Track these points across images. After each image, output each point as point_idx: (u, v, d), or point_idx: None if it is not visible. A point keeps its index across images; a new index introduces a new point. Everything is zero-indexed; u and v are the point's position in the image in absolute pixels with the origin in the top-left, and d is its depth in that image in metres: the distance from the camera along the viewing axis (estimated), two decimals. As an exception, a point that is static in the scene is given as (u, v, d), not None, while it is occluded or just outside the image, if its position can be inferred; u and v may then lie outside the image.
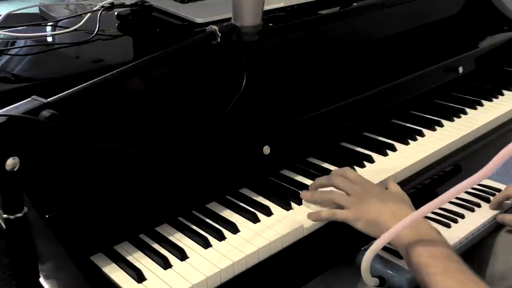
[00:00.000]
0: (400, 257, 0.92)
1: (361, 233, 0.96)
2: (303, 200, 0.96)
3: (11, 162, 0.62)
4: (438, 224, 1.00)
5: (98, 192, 0.84)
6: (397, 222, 0.79)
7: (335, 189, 0.94)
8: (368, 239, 0.97)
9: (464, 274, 0.77)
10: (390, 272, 0.90)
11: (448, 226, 1.00)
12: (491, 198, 1.07)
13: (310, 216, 0.92)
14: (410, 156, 1.11)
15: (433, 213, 1.04)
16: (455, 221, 1.01)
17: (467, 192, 1.12)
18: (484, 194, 1.10)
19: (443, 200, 0.74)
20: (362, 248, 0.94)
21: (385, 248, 0.93)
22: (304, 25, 1.22)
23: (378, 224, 0.86)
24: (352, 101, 1.18)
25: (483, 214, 1.04)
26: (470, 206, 1.06)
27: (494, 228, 1.04)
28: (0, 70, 1.03)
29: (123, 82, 0.78)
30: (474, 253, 1.01)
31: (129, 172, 0.88)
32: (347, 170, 0.97)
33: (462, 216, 1.03)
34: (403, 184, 1.07)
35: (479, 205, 1.07)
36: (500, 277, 0.97)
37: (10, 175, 0.63)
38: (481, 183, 1.16)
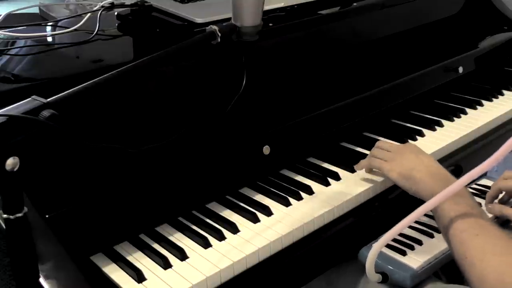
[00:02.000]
0: (403, 254, 0.93)
1: (362, 231, 0.96)
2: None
3: (11, 162, 0.62)
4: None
5: (98, 192, 0.84)
6: (429, 177, 0.90)
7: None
8: (370, 237, 0.97)
9: (495, 231, 0.80)
10: (393, 268, 0.90)
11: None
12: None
13: (356, 166, 1.04)
14: (410, 156, 1.11)
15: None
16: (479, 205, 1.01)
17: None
18: (484, 194, 1.10)
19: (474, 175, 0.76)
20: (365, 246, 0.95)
21: (387, 245, 0.93)
22: (304, 25, 1.22)
23: (411, 177, 0.93)
24: (352, 101, 1.18)
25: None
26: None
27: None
28: (0, 70, 1.03)
29: (123, 82, 0.78)
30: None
31: (129, 172, 0.88)
32: (383, 141, 1.08)
33: None
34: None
35: (480, 205, 1.07)
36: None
37: (10, 175, 0.63)
38: (481, 183, 1.17)
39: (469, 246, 0.78)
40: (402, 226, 0.80)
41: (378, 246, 0.83)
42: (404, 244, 0.95)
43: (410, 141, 1.16)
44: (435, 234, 0.98)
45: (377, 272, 0.88)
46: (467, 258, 0.77)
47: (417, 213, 0.80)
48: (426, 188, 0.90)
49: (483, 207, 1.07)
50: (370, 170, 1.04)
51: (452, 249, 0.82)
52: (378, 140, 1.17)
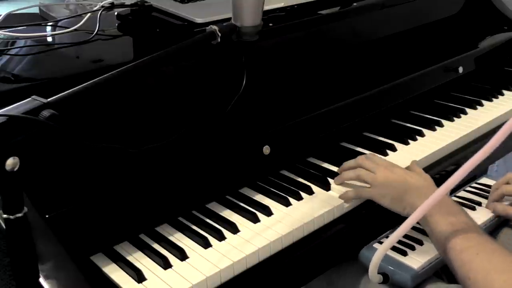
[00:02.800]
0: (404, 255, 0.92)
1: (363, 230, 0.96)
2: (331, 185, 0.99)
3: (11, 162, 0.62)
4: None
5: (98, 192, 0.84)
6: (421, 198, 0.86)
7: (361, 169, 0.98)
8: (370, 237, 0.97)
9: (482, 236, 0.81)
10: (394, 269, 0.90)
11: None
12: None
13: (340, 196, 0.97)
14: (410, 156, 1.11)
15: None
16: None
17: (468, 191, 1.12)
18: (485, 193, 1.11)
19: (462, 174, 0.76)
20: (367, 245, 0.95)
21: None
22: (304, 25, 1.22)
23: (403, 200, 0.91)
24: (352, 101, 1.18)
25: (484, 213, 1.04)
26: (471, 205, 1.07)
27: (495, 227, 1.04)
28: (0, 70, 1.03)
29: (123, 82, 0.78)
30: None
31: (129, 172, 0.88)
32: (372, 154, 1.04)
33: None
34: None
35: (480, 204, 1.07)
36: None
37: (10, 175, 0.63)
38: (481, 182, 1.17)
39: (471, 266, 0.77)
40: (421, 212, 0.80)
41: (383, 249, 0.83)
42: (405, 245, 0.95)
43: (410, 141, 1.16)
44: (435, 234, 0.97)
45: (378, 273, 0.88)
46: (470, 279, 0.76)
47: (434, 198, 0.78)
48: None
49: (483, 206, 1.07)
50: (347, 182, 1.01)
51: (453, 270, 0.81)
52: (378, 140, 1.17)
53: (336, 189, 1.01)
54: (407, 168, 1.01)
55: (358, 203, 0.99)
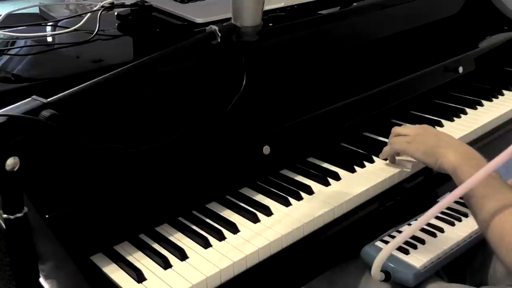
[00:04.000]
0: (406, 253, 0.93)
1: (362, 231, 0.96)
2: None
3: (11, 162, 0.62)
4: (442, 222, 1.01)
5: (98, 192, 0.84)
6: (452, 151, 0.93)
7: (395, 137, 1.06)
8: (370, 237, 0.97)
9: (504, 190, 0.83)
10: (396, 267, 0.90)
11: (452, 224, 1.00)
12: None
13: (382, 154, 1.08)
14: (410, 156, 1.11)
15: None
16: (459, 220, 1.01)
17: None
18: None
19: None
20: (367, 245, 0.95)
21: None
22: (304, 25, 1.22)
23: (435, 153, 0.96)
24: (352, 101, 1.18)
25: None
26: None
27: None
28: (0, 70, 1.03)
29: (123, 82, 0.78)
30: (477, 251, 1.01)
31: (129, 172, 0.88)
32: (403, 126, 1.09)
33: (466, 215, 1.03)
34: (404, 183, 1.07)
35: None
36: (502, 276, 0.97)
37: (10, 175, 0.63)
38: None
39: (489, 210, 0.81)
40: (428, 217, 0.82)
41: (392, 245, 0.85)
42: (407, 243, 0.95)
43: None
44: (437, 233, 0.98)
45: (380, 271, 0.88)
46: (488, 222, 0.81)
47: (448, 200, 0.80)
48: (449, 161, 0.93)
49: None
50: (393, 158, 1.07)
51: (476, 217, 0.85)
52: (378, 140, 1.17)
53: (336, 189, 1.01)
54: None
55: (356, 204, 0.99)
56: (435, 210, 0.79)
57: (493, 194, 0.83)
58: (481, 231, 0.85)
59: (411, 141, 1.02)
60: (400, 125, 1.24)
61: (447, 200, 0.79)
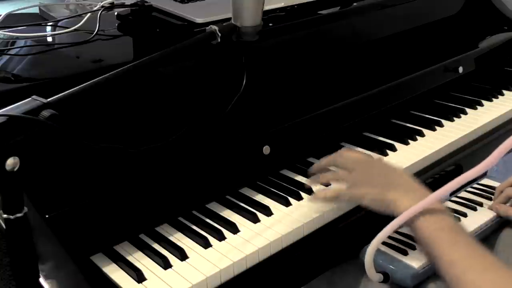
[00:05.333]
0: (404, 254, 0.93)
1: (363, 231, 0.96)
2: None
3: (11, 162, 0.62)
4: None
5: (98, 192, 0.84)
6: (402, 195, 0.83)
7: (337, 169, 0.94)
8: (370, 237, 0.97)
9: (471, 245, 0.77)
10: (394, 268, 0.90)
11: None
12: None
13: (315, 196, 0.93)
14: (410, 156, 1.11)
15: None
16: (458, 220, 1.01)
17: (469, 192, 1.12)
18: (486, 193, 1.11)
19: (452, 187, 0.76)
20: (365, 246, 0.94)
21: (388, 244, 0.94)
22: (304, 25, 1.22)
23: (384, 200, 0.85)
24: (352, 101, 1.18)
25: (486, 213, 1.04)
26: (473, 205, 1.07)
27: (496, 227, 1.04)
28: (0, 70, 1.03)
29: (123, 82, 0.78)
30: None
31: (129, 172, 0.88)
32: (346, 149, 0.98)
33: (465, 215, 1.03)
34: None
35: (481, 204, 1.07)
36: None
37: (10, 175, 0.63)
38: (483, 183, 1.17)
39: (460, 282, 0.74)
40: (404, 217, 0.80)
41: (377, 240, 0.84)
42: (405, 244, 0.95)
43: (410, 141, 1.16)
44: (435, 234, 0.97)
45: (378, 272, 0.88)
46: (454, 276, 0.74)
47: (423, 204, 0.79)
48: (403, 209, 0.83)
49: (484, 206, 1.07)
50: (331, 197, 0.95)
51: (443, 278, 0.78)
52: (378, 140, 1.17)
53: (336, 189, 1.00)
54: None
55: (357, 204, 0.99)
56: (417, 207, 0.79)
57: (457, 243, 0.77)
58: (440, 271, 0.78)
59: (355, 182, 0.90)
60: (400, 124, 1.24)
61: (433, 196, 0.79)
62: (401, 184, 0.87)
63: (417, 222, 0.81)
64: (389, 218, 0.93)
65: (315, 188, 0.98)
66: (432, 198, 0.78)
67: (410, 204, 0.82)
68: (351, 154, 0.96)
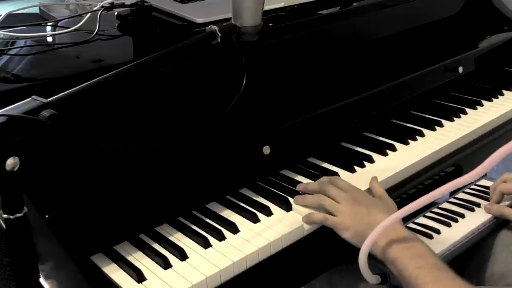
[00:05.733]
0: None
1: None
2: (293, 205, 0.96)
3: (11, 162, 0.62)
4: (438, 223, 1.00)
5: (98, 192, 0.84)
6: (383, 237, 0.84)
7: (325, 198, 0.94)
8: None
9: (454, 281, 0.78)
10: None
11: (449, 225, 1.00)
12: None
13: (303, 218, 0.92)
14: (410, 156, 1.11)
15: (434, 212, 1.04)
16: (456, 221, 1.01)
17: (467, 192, 1.12)
18: (484, 194, 1.10)
19: (426, 200, 0.77)
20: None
21: None
22: (304, 25, 1.22)
23: (364, 236, 0.85)
24: (352, 101, 1.18)
25: (483, 214, 1.04)
26: (470, 206, 1.07)
27: (494, 228, 1.04)
28: (0, 70, 1.03)
29: (123, 82, 0.78)
30: (474, 252, 1.01)
31: (129, 172, 0.88)
32: (336, 178, 0.98)
33: (463, 216, 1.03)
34: (403, 184, 1.07)
35: (479, 205, 1.07)
36: (499, 277, 0.97)
37: (10, 175, 0.63)
38: (481, 183, 1.17)
39: None
40: (377, 232, 0.81)
41: (363, 254, 0.84)
42: None
43: (410, 141, 1.16)
44: (434, 235, 0.98)
45: (376, 274, 0.88)
46: None
47: (392, 219, 0.81)
48: (380, 250, 0.85)
49: (482, 207, 1.07)
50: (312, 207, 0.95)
51: None
52: (378, 140, 1.17)
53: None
54: (368, 190, 0.98)
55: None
56: (379, 229, 0.81)
57: (441, 280, 0.78)
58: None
59: (340, 213, 0.90)
60: (400, 125, 1.24)
61: (391, 218, 0.81)
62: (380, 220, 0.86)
63: (395, 262, 0.83)
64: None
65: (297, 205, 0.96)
66: (393, 218, 0.80)
67: (386, 247, 0.84)
68: (341, 183, 0.96)
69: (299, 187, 0.99)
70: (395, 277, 0.89)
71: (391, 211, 0.90)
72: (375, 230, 0.81)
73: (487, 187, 1.13)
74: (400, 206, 1.04)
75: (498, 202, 1.04)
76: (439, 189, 0.76)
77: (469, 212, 1.05)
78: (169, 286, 0.78)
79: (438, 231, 0.98)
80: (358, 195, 0.94)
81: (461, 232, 0.98)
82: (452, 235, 0.97)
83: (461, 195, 1.12)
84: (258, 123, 1.04)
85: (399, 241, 0.84)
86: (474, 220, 1.02)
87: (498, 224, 1.04)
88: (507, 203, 1.04)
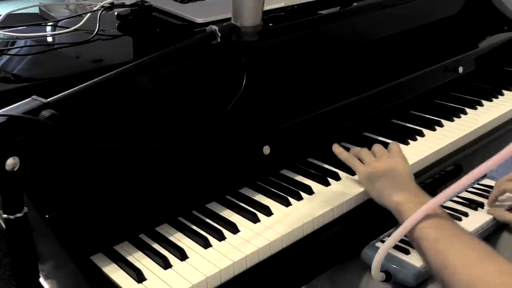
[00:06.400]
0: (406, 253, 0.93)
1: (363, 231, 0.96)
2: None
3: (11, 162, 0.62)
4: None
5: (98, 192, 0.84)
6: (400, 192, 0.89)
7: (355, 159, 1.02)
8: (371, 237, 0.97)
9: (471, 238, 0.79)
10: (397, 267, 0.90)
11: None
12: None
13: (338, 150, 1.05)
14: (410, 156, 1.11)
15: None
16: (459, 219, 1.02)
17: (470, 192, 1.13)
18: (487, 193, 1.11)
19: (455, 190, 0.78)
20: (367, 245, 0.95)
21: None
22: (304, 25, 1.22)
23: (382, 196, 0.92)
24: (352, 101, 1.18)
25: (486, 214, 1.04)
26: (474, 205, 1.07)
27: (496, 228, 1.04)
28: (0, 70, 1.03)
29: (123, 82, 0.78)
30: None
31: (129, 172, 0.88)
32: (377, 146, 1.04)
33: (466, 215, 1.03)
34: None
35: (482, 204, 1.07)
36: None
37: (10, 175, 0.63)
38: (483, 183, 1.17)
39: (447, 256, 0.76)
40: (410, 223, 0.81)
41: (385, 247, 0.84)
42: (408, 243, 0.95)
43: (410, 141, 1.16)
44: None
45: (380, 271, 0.89)
46: (448, 268, 0.75)
47: (427, 208, 0.80)
48: (405, 211, 0.87)
49: (485, 207, 1.07)
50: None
51: (427, 259, 0.80)
52: (378, 140, 1.17)
53: (336, 189, 1.01)
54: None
55: (356, 204, 0.99)
56: (431, 204, 0.80)
57: (449, 237, 0.79)
58: (433, 273, 0.80)
59: (367, 162, 0.99)
60: (400, 124, 1.24)
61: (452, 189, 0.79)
62: (396, 178, 0.93)
63: (399, 207, 0.86)
64: (393, 216, 0.93)
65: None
66: (432, 204, 0.79)
67: (411, 207, 0.85)
68: (378, 149, 1.03)
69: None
70: (398, 275, 0.90)
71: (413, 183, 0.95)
72: (398, 231, 0.82)
73: (490, 186, 1.13)
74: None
75: (497, 198, 1.05)
76: (472, 172, 0.76)
77: (473, 211, 1.05)
78: (169, 286, 0.78)
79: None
80: (393, 163, 0.98)
81: (465, 232, 0.98)
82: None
83: (464, 194, 1.12)
84: (258, 123, 1.04)
85: (413, 202, 0.87)
86: (477, 219, 1.02)
87: (500, 224, 1.04)
88: (509, 203, 1.04)
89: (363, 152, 1.02)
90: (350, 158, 1.03)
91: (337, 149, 1.06)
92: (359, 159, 1.02)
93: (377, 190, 0.94)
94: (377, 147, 1.03)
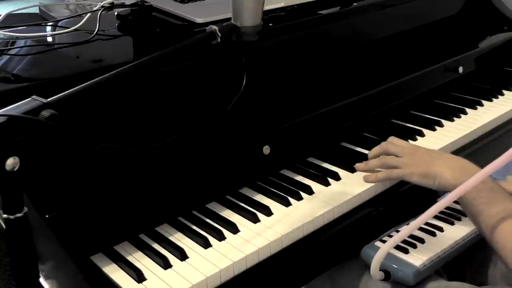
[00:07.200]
0: (405, 252, 0.93)
1: (362, 231, 0.96)
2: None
3: (11, 162, 0.62)
4: (442, 222, 1.01)
5: (98, 192, 0.84)
6: (448, 169, 0.93)
7: (386, 156, 1.03)
8: (370, 236, 0.97)
9: (510, 203, 0.85)
10: (396, 266, 0.90)
11: (452, 223, 1.00)
12: None
13: (367, 178, 1.02)
14: (410, 156, 1.11)
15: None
16: (459, 219, 1.01)
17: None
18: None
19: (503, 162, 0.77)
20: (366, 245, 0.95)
21: None
22: (304, 25, 1.22)
23: (431, 174, 0.95)
24: (352, 101, 1.18)
25: None
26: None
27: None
28: (0, 70, 1.03)
29: (123, 82, 0.78)
30: (476, 251, 1.01)
31: (129, 172, 0.88)
32: (393, 139, 1.07)
33: (466, 215, 1.03)
34: (403, 184, 1.07)
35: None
36: (501, 276, 0.97)
37: (10, 175, 0.63)
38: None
39: (500, 230, 0.82)
40: (422, 220, 0.82)
41: (386, 247, 0.84)
42: (407, 243, 0.95)
43: (410, 141, 1.16)
44: (437, 232, 0.98)
45: (379, 270, 0.89)
46: (499, 243, 0.81)
47: (446, 201, 0.80)
48: (448, 179, 0.93)
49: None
50: (374, 175, 1.03)
51: (484, 234, 0.86)
52: (378, 140, 1.17)
53: (336, 189, 1.01)
54: None
55: (356, 204, 0.99)
56: (433, 210, 0.80)
57: (495, 200, 0.85)
58: (481, 234, 0.87)
59: (403, 164, 0.99)
60: (400, 124, 1.24)
61: (445, 201, 0.79)
62: (444, 159, 0.97)
63: (465, 197, 0.89)
64: (393, 216, 0.93)
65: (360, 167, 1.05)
66: (481, 175, 0.79)
67: (454, 177, 0.92)
68: (399, 142, 1.05)
69: (360, 165, 1.06)
70: (397, 274, 0.90)
71: (446, 153, 1.02)
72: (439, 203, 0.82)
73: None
74: (401, 206, 1.05)
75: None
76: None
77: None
78: (169, 286, 0.78)
79: (441, 229, 0.98)
80: (415, 147, 1.04)
81: (464, 231, 0.98)
82: (455, 233, 0.98)
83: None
84: (258, 123, 1.04)
85: (457, 168, 0.94)
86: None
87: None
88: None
89: (387, 159, 1.02)
90: (386, 174, 1.01)
91: (359, 166, 1.06)
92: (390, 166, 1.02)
93: (427, 172, 0.96)
94: (393, 147, 1.03)
